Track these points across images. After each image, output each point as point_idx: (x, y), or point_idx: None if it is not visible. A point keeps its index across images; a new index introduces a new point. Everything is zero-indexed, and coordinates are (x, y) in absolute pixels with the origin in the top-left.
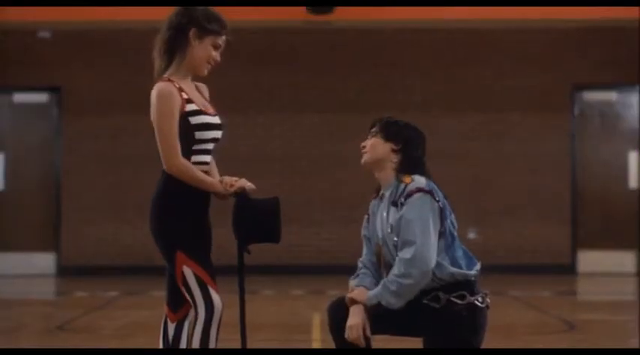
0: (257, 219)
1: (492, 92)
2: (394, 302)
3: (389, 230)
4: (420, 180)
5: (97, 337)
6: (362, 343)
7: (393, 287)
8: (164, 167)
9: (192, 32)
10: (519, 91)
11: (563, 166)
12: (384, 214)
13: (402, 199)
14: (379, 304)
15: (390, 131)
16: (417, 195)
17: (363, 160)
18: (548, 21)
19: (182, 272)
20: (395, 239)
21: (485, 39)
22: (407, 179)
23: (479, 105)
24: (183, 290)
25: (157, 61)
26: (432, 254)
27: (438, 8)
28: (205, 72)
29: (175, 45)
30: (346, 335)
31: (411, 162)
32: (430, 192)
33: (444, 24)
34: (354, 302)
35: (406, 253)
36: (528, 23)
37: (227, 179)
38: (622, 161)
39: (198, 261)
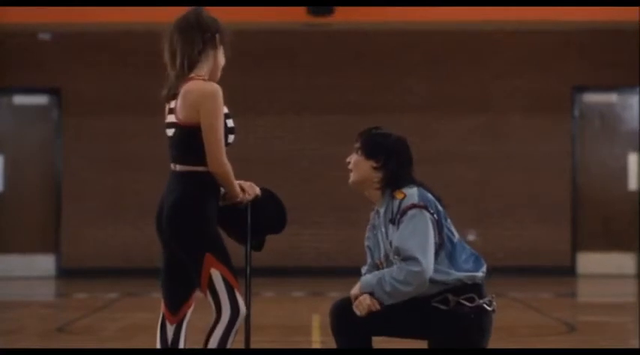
0: (268, 215)
1: (492, 94)
2: (385, 299)
3: (389, 247)
4: (412, 195)
5: (97, 339)
6: (374, 308)
7: (388, 288)
8: (209, 166)
9: (217, 38)
10: (520, 93)
11: (564, 168)
12: (383, 230)
13: (399, 216)
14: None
15: (370, 148)
16: (411, 212)
17: (349, 181)
18: (549, 23)
19: (209, 275)
20: (396, 257)
21: (485, 40)
22: (399, 194)
23: (479, 106)
24: (208, 292)
25: (185, 57)
26: (432, 269)
27: (439, 10)
28: (218, 77)
29: (209, 48)
30: (355, 308)
31: (392, 178)
32: (425, 207)
33: (444, 26)
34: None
35: (412, 265)
36: (528, 25)
37: (246, 187)
38: (622, 163)
39: (226, 263)
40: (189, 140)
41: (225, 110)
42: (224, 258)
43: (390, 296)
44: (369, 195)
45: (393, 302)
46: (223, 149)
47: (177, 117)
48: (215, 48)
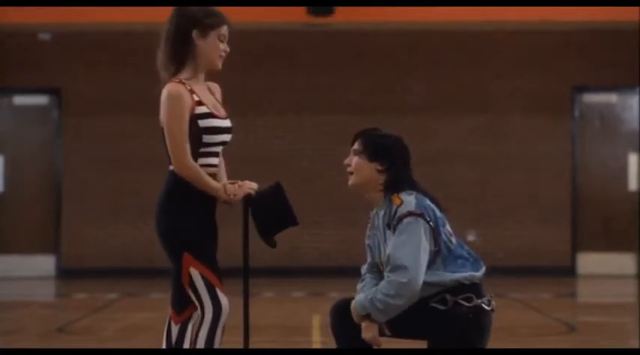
0: (269, 212)
1: (492, 94)
2: (380, 318)
3: (386, 251)
4: (409, 202)
5: (97, 339)
6: (378, 343)
7: (381, 306)
8: (173, 168)
9: (194, 34)
10: (520, 93)
11: (564, 168)
12: (381, 231)
13: (395, 223)
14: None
15: (374, 151)
16: (407, 220)
17: (349, 183)
18: (549, 23)
19: (189, 274)
20: (387, 268)
21: (485, 40)
22: (397, 200)
23: (479, 106)
24: (190, 291)
25: (165, 70)
26: (421, 279)
27: (439, 10)
28: (220, 66)
29: (183, 50)
30: (363, 335)
31: (396, 180)
32: (421, 215)
33: (444, 26)
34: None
35: (400, 276)
36: (528, 25)
37: (230, 187)
38: (622, 163)
39: (206, 262)
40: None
41: (205, 110)
42: (203, 257)
43: (384, 313)
44: (370, 198)
45: (388, 318)
46: (183, 150)
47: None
48: (194, 46)
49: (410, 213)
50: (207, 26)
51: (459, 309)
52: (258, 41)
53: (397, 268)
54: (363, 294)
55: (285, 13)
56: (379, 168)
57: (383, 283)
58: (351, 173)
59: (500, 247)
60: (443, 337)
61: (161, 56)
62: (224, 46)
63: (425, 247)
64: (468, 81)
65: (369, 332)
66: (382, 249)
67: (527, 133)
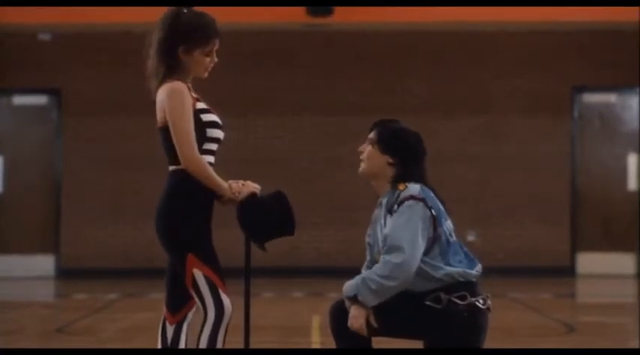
0: (268, 217)
1: (492, 94)
2: (370, 300)
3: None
4: (413, 188)
5: (96, 339)
6: (364, 332)
7: (374, 286)
8: (181, 163)
9: (180, 51)
10: (519, 93)
11: (563, 168)
12: (382, 222)
13: (396, 206)
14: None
15: (388, 144)
16: (408, 203)
17: (359, 170)
18: (548, 23)
19: (192, 275)
20: (383, 249)
21: (485, 40)
22: (401, 186)
23: (479, 106)
24: (193, 292)
25: (155, 78)
26: (417, 263)
27: (439, 10)
28: (205, 75)
29: (170, 62)
30: (349, 324)
31: (405, 174)
32: (422, 200)
33: (444, 26)
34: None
35: (395, 257)
36: (528, 25)
37: (234, 186)
38: (622, 163)
39: (209, 263)
40: (167, 140)
41: (203, 105)
42: (207, 258)
43: (376, 294)
44: (376, 186)
45: (379, 302)
46: (192, 145)
47: (157, 121)
48: (179, 61)
49: (412, 197)
50: (195, 44)
51: (454, 307)
52: (258, 41)
53: (393, 249)
54: (353, 279)
55: (285, 13)
56: (390, 161)
57: (378, 264)
58: (363, 160)
59: (500, 247)
60: (438, 336)
61: (150, 65)
62: (210, 60)
63: (423, 232)
64: (468, 81)
65: (356, 320)
66: (380, 239)
67: (527, 133)
